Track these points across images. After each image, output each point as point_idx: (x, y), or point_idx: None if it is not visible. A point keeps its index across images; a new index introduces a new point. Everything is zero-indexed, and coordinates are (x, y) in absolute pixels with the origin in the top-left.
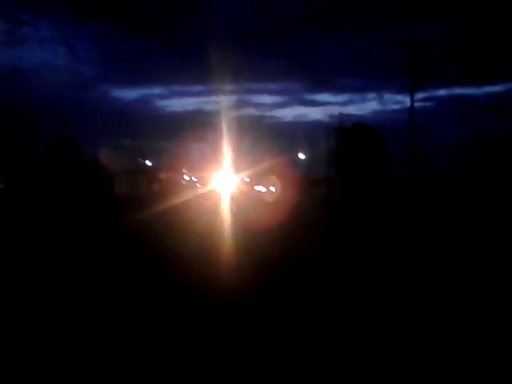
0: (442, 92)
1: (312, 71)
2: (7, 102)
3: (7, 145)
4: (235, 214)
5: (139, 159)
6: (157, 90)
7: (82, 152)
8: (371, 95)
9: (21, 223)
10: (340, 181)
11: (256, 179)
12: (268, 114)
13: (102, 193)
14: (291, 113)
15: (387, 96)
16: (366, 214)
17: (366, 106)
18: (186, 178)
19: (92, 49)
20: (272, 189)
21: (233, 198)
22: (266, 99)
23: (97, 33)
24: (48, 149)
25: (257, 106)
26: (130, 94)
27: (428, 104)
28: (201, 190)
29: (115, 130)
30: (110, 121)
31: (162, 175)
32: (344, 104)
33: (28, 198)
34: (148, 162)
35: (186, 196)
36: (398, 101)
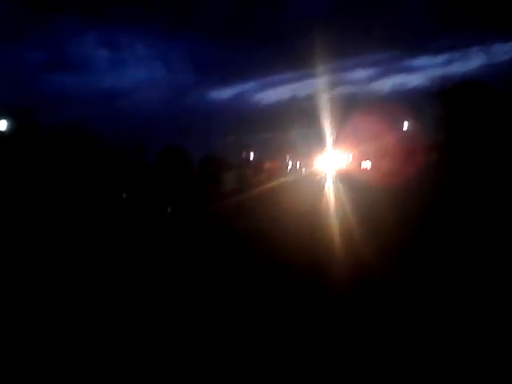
0: None
1: (405, 35)
2: (117, 123)
3: (124, 160)
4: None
5: (243, 154)
6: (250, 85)
7: (189, 157)
8: (475, 49)
9: (143, 224)
10: (451, 146)
11: (362, 156)
12: (365, 88)
13: (211, 191)
14: (389, 83)
15: (494, 47)
16: (478, 180)
17: (471, 62)
18: (290, 164)
19: (184, 58)
20: (370, 164)
21: (338, 177)
22: (361, 73)
23: (186, 42)
24: (159, 158)
25: (352, 82)
26: (225, 93)
27: None
28: (305, 173)
29: (217, 129)
30: (211, 122)
31: (267, 165)
32: (445, 64)
33: (145, 204)
34: (252, 155)
35: (290, 179)
36: (507, 50)
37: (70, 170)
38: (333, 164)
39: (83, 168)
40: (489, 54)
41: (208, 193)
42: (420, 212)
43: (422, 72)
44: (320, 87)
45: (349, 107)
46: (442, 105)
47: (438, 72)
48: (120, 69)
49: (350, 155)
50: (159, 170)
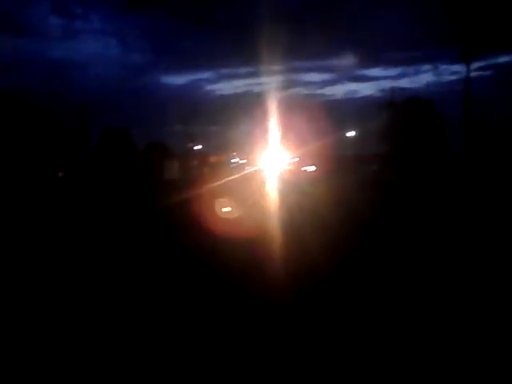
0: (503, 59)
1: (362, 46)
2: (63, 95)
3: (65, 136)
4: (280, 193)
5: (189, 144)
6: (206, 75)
7: (134, 140)
8: (425, 67)
9: (77, 207)
10: (393, 157)
11: (305, 159)
12: (318, 92)
13: (153, 179)
14: (341, 90)
15: (443, 67)
16: (418, 190)
17: (420, 78)
18: (235, 160)
19: (142, 38)
20: (314, 168)
21: (279, 178)
22: (315, 77)
23: (146, 21)
24: (100, 139)
25: (306, 84)
26: (179, 79)
27: (487, 73)
28: (249, 171)
29: (166, 116)
30: (160, 107)
31: (212, 159)
32: (396, 78)
33: (83, 185)
34: (198, 147)
35: (232, 177)
36: (454, 71)
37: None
38: (278, 165)
39: (17, 138)
40: (437, 72)
41: (150, 181)
42: (347, 216)
43: (375, 82)
44: (274, 86)
45: (299, 109)
46: (389, 116)
47: (389, 84)
48: (72, 40)
49: (296, 158)
50: (102, 151)
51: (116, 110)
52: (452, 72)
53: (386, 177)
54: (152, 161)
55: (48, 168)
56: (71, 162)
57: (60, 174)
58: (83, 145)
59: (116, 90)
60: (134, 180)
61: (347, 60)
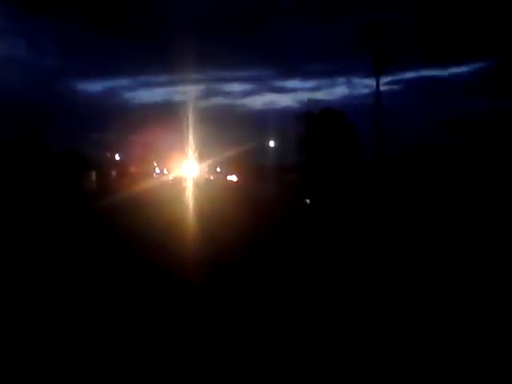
0: (409, 74)
1: (281, 58)
2: None
3: None
4: (199, 201)
5: (108, 153)
6: (123, 82)
7: (48, 148)
8: (340, 80)
9: None
10: (309, 167)
11: (226, 168)
12: (238, 102)
13: (70, 189)
14: (261, 100)
15: (356, 80)
16: (332, 198)
17: (335, 90)
18: (157, 170)
19: (54, 41)
20: (236, 178)
21: (199, 187)
22: (235, 87)
23: (59, 24)
24: (11, 146)
25: (226, 94)
26: (95, 86)
27: (396, 87)
28: (170, 181)
29: (82, 123)
30: (76, 114)
31: (132, 168)
32: (313, 90)
33: None
34: (117, 156)
35: (155, 186)
36: (366, 85)
37: None
38: (197, 174)
39: None
40: (350, 85)
41: (64, 190)
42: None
43: (293, 94)
44: (194, 95)
45: (219, 119)
46: (305, 128)
47: (306, 96)
48: None
49: (218, 168)
50: (10, 161)
51: (27, 116)
52: (364, 85)
53: (301, 186)
54: (67, 171)
55: None
56: None
57: None
58: None
59: (26, 96)
60: (48, 191)
61: (267, 71)
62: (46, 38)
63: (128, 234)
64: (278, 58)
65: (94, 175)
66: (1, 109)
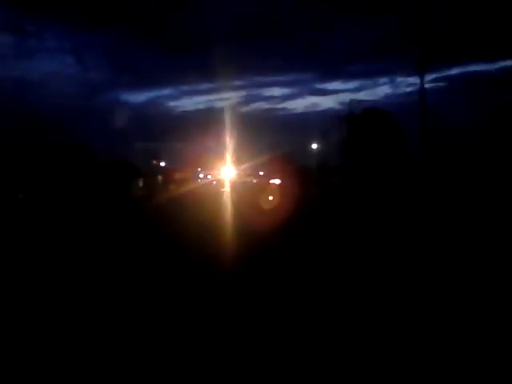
0: (455, 71)
1: (321, 60)
2: (20, 117)
3: (23, 157)
4: (242, 203)
5: (153, 161)
6: (166, 91)
7: (97, 158)
8: (383, 79)
9: (42, 229)
10: (353, 169)
11: (269, 172)
12: (279, 106)
13: (119, 195)
14: (302, 103)
15: (399, 79)
16: (377, 200)
17: (378, 90)
18: (201, 175)
19: (99, 56)
20: (278, 181)
21: (242, 190)
22: (276, 92)
23: (102, 39)
24: (63, 156)
25: (267, 99)
26: (140, 97)
27: (441, 84)
28: (213, 184)
29: (128, 133)
30: (122, 125)
31: (177, 175)
32: (355, 90)
33: (46, 206)
34: (162, 163)
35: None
36: (410, 83)
37: None
38: (238, 176)
39: None
40: (394, 85)
41: (114, 197)
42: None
43: (334, 95)
44: (235, 101)
45: (261, 123)
46: (348, 129)
47: (348, 97)
48: (26, 58)
49: (261, 172)
50: (63, 171)
51: (76, 128)
52: (408, 84)
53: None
54: (116, 179)
55: (8, 191)
56: (31, 182)
57: (20, 196)
58: (43, 164)
59: (74, 108)
60: (100, 197)
61: (307, 74)
62: (91, 52)
63: (173, 225)
64: (319, 60)
65: (141, 182)
66: (52, 121)
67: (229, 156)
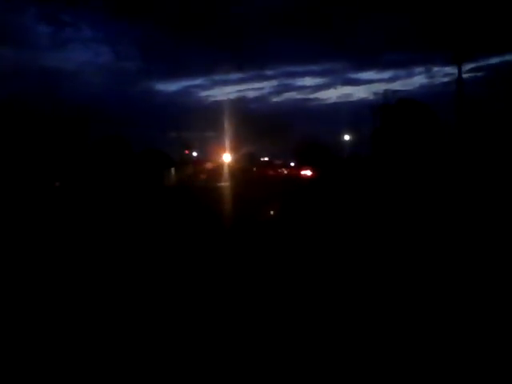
0: (494, 60)
1: (355, 49)
2: (58, 104)
3: (60, 146)
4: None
5: (186, 151)
6: (198, 81)
7: (130, 147)
8: (418, 69)
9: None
10: (384, 160)
11: (300, 163)
12: (311, 96)
13: (153, 183)
14: (335, 93)
15: (435, 69)
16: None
17: (413, 80)
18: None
19: (133, 45)
20: (310, 172)
21: (270, 180)
22: (308, 81)
23: (136, 29)
24: (96, 147)
25: (299, 89)
26: (172, 86)
27: (479, 74)
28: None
29: (160, 122)
30: (154, 114)
31: (208, 164)
32: (389, 80)
33: (82, 195)
34: (194, 153)
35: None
36: (447, 73)
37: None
38: (270, 168)
39: (18, 149)
40: (429, 75)
41: (147, 186)
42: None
43: (368, 85)
44: (267, 91)
45: (292, 113)
46: (382, 120)
47: (382, 87)
48: (62, 49)
49: (292, 163)
50: (98, 159)
51: (109, 117)
52: (445, 74)
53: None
54: (149, 168)
55: (45, 177)
56: (68, 171)
57: (57, 184)
58: (79, 153)
59: (109, 98)
60: (134, 187)
61: (340, 64)
62: (125, 42)
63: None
64: (352, 49)
65: (173, 171)
66: (86, 112)
67: (260, 146)
